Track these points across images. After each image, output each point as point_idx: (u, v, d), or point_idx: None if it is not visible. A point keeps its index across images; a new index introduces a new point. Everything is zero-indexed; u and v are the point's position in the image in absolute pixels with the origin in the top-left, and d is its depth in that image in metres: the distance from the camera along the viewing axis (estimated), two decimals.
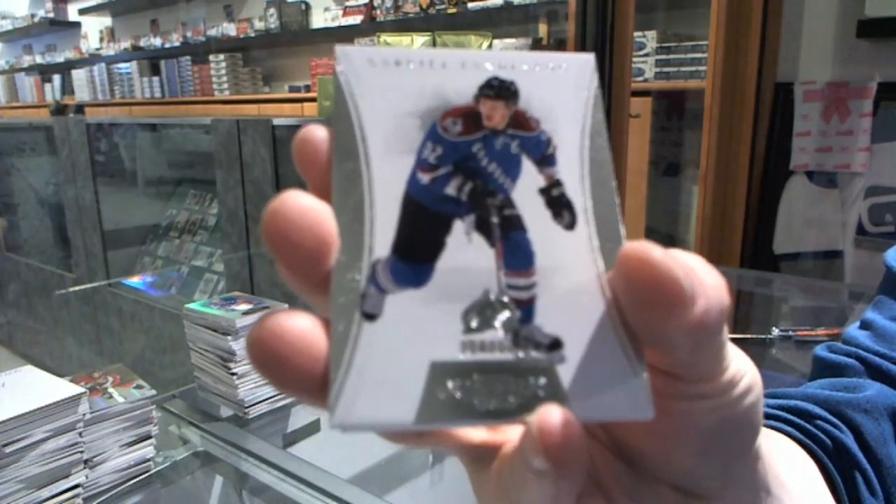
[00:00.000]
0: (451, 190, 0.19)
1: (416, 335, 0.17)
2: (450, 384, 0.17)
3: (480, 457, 0.21)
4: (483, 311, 0.18)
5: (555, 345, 0.18)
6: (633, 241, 0.17)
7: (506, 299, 0.18)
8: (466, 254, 0.18)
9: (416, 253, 0.18)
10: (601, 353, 0.18)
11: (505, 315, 0.18)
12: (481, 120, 0.19)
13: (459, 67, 0.20)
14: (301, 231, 0.17)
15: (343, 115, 0.19)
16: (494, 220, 0.19)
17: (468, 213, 0.19)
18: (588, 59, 0.21)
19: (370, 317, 0.17)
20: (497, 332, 0.18)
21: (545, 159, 0.20)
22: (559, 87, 0.20)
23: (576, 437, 0.16)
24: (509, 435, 0.21)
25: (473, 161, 0.19)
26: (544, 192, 0.19)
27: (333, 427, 0.16)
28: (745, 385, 0.19)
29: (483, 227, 0.19)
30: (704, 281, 0.17)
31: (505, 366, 0.18)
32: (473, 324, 0.18)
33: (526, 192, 0.19)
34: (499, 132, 0.19)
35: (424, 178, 0.19)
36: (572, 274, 0.19)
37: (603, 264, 0.19)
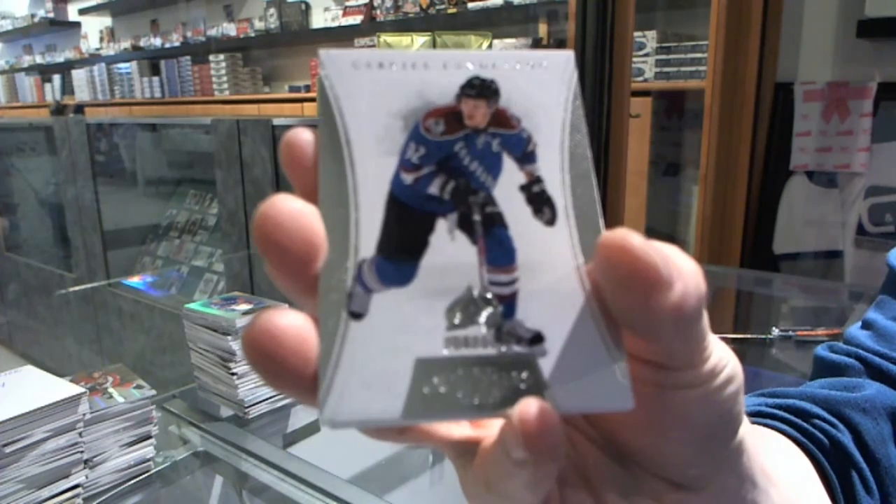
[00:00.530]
0: (433, 189, 0.19)
1: (401, 333, 0.18)
2: (435, 380, 0.17)
3: (464, 452, 0.21)
4: (466, 307, 0.18)
5: (536, 339, 0.18)
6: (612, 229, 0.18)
7: (488, 295, 0.19)
8: (450, 251, 0.19)
9: (400, 252, 0.18)
10: (582, 346, 0.18)
11: (488, 311, 0.18)
12: (463, 119, 0.20)
13: (441, 68, 0.20)
14: (290, 234, 0.17)
15: (328, 117, 0.19)
16: (476, 217, 0.19)
17: (451, 212, 0.19)
18: (568, 56, 0.21)
19: (357, 316, 0.18)
20: (480, 328, 0.18)
21: (526, 157, 0.20)
22: (539, 85, 0.20)
23: (554, 428, 0.17)
24: (490, 430, 0.21)
25: (455, 160, 0.19)
26: (525, 188, 0.20)
27: (323, 424, 0.17)
28: (727, 375, 0.20)
29: (465, 225, 0.19)
30: (681, 267, 0.18)
31: (488, 360, 0.18)
32: (457, 320, 0.18)
33: (507, 189, 0.19)
34: (480, 131, 0.20)
35: (408, 178, 0.19)
36: (553, 269, 0.19)
37: (583, 258, 0.19)
